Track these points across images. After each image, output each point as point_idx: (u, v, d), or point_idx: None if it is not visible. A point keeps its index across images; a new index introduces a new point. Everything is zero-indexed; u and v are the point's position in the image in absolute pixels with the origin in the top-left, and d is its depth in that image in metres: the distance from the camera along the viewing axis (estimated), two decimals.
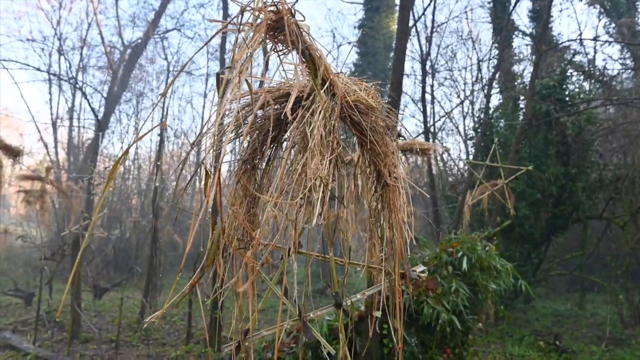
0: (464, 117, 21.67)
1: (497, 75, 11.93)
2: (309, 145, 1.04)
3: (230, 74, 0.96)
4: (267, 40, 1.09)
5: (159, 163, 12.02)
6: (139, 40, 14.46)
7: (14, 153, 4.67)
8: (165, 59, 20.16)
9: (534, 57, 10.86)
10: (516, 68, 18.40)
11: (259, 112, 1.28)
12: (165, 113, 11.45)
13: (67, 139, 18.35)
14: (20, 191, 6.30)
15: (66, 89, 18.46)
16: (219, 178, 0.95)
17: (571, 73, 12.72)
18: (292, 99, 0.98)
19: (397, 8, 23.67)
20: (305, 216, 1.09)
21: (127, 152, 1.18)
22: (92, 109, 10.33)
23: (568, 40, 15.91)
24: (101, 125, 10.50)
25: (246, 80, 0.97)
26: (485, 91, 12.40)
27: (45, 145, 14.90)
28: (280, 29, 1.04)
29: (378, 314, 4.79)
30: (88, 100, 10.72)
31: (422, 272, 1.98)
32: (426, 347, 5.31)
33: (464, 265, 5.19)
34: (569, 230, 13.87)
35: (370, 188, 1.59)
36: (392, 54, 21.82)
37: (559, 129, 11.65)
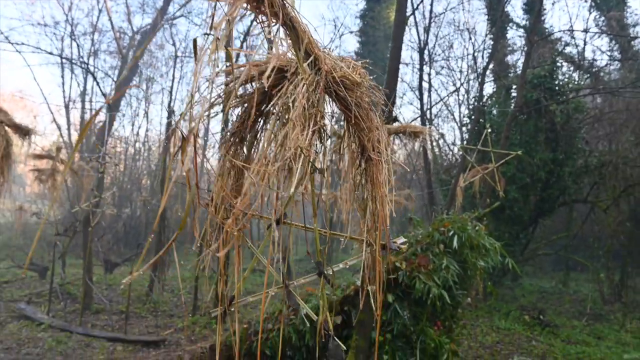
0: (460, 105, 21.50)
1: (490, 65, 11.75)
2: (290, 116, 1.00)
3: (209, 41, 0.91)
4: (250, 12, 1.04)
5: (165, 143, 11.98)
6: (148, 27, 14.26)
7: (24, 132, 4.61)
8: (174, 44, 19.93)
9: (526, 47, 10.69)
10: (509, 59, 18.21)
11: (248, 87, 1.24)
12: (172, 97, 11.40)
13: (79, 121, 18.26)
14: (33, 170, 6.26)
15: (78, 73, 18.29)
16: (194, 141, 0.91)
17: (561, 63, 12.53)
18: (270, 67, 0.93)
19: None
20: (287, 186, 1.05)
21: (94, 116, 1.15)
22: (103, 94, 10.25)
23: (559, 31, 15.67)
24: (111, 108, 10.43)
25: (226, 48, 0.92)
26: (480, 79, 12.24)
27: (58, 127, 14.81)
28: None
29: (372, 289, 4.76)
30: (99, 84, 10.62)
31: (403, 244, 1.96)
32: (418, 320, 5.33)
33: (455, 244, 5.17)
34: (555, 212, 13.87)
35: (355, 162, 1.55)
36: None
37: (548, 117, 11.53)
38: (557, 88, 11.73)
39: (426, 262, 5.12)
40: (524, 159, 11.71)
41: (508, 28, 18.96)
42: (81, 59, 16.13)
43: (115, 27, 15.24)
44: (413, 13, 12.65)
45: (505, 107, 12.07)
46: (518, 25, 20.02)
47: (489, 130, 6.84)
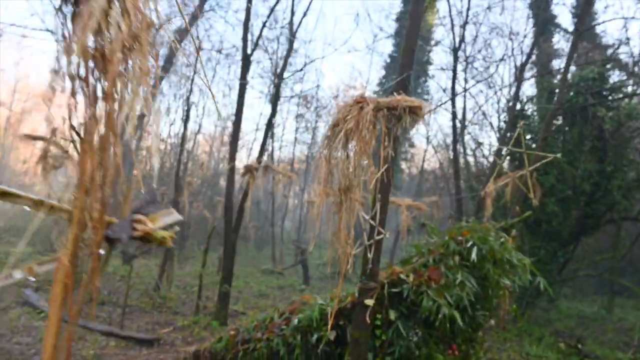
0: (498, 114, 20.21)
1: (531, 62, 10.59)
2: None
3: None
4: None
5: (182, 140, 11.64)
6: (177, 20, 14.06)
7: None
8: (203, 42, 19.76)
9: (572, 37, 9.51)
10: (555, 63, 16.84)
11: None
12: (190, 91, 11.06)
13: None
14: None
15: None
16: None
17: (612, 65, 11.18)
18: None
19: (436, 2, 22.29)
20: None
21: None
22: None
23: (609, 20, 14.13)
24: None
25: None
26: (517, 75, 11.14)
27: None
28: None
29: (370, 302, 3.92)
30: None
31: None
32: (427, 342, 4.52)
33: (473, 256, 4.33)
34: (600, 230, 12.46)
35: None
36: (426, 46, 20.57)
37: (596, 124, 10.29)
38: (606, 92, 10.46)
39: (437, 276, 4.30)
40: (566, 169, 10.53)
41: (554, 32, 17.67)
42: None
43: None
44: (450, 12, 11.77)
45: (546, 110, 10.86)
46: (565, 31, 18.69)
47: (522, 129, 5.89)
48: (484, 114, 19.88)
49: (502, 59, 13.39)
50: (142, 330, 7.43)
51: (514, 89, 13.96)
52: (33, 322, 7.08)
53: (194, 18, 16.37)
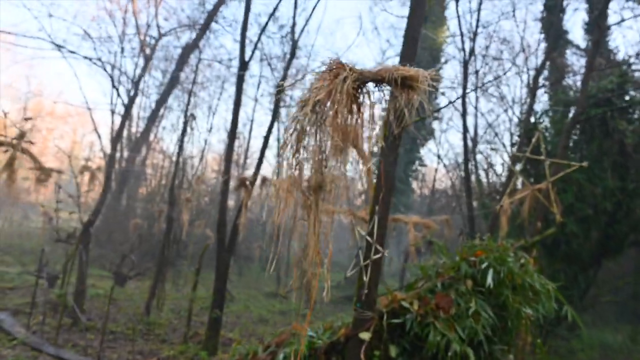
0: (511, 134, 19.54)
1: (542, 78, 9.93)
2: None
3: None
4: None
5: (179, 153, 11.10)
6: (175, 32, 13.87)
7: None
8: (220, 61, 19.62)
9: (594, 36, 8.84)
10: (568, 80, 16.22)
11: None
12: (188, 104, 10.64)
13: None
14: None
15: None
16: None
17: (632, 75, 10.46)
18: None
19: (446, 21, 21.92)
20: None
21: None
22: (119, 96, 9.63)
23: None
24: (127, 110, 9.74)
25: None
26: (532, 86, 10.48)
27: (99, 135, 14.38)
28: None
29: (366, 335, 3.17)
30: (116, 87, 9.91)
31: None
32: None
33: (489, 281, 3.62)
34: (623, 253, 11.53)
35: None
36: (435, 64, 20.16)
37: (617, 138, 9.55)
38: (626, 104, 9.73)
39: (447, 304, 3.59)
40: (586, 186, 9.75)
41: (567, 49, 17.22)
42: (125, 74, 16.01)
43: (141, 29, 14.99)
44: (459, 23, 11.29)
45: (562, 126, 10.14)
46: (578, 48, 18.25)
47: (541, 135, 5.21)
48: (496, 134, 19.25)
49: (514, 63, 12.75)
50: None
51: (526, 104, 13.30)
52: (1, 350, 6.42)
53: (201, 31, 16.22)
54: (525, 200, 5.89)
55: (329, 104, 1.92)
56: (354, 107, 2.04)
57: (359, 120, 2.09)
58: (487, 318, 3.57)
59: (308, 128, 1.95)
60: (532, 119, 9.52)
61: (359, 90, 2.08)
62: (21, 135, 5.11)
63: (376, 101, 2.13)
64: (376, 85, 2.12)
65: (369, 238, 3.54)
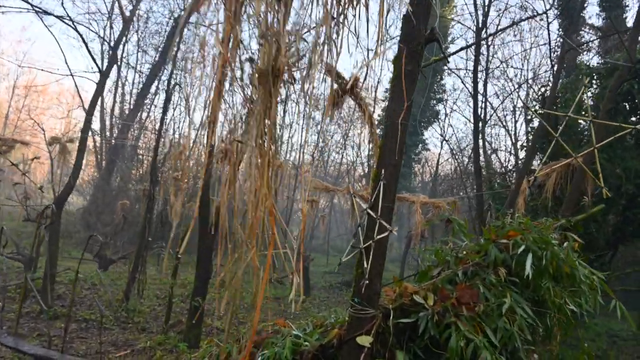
0: (516, 121, 18.63)
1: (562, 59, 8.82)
2: None
3: None
4: None
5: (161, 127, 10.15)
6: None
7: None
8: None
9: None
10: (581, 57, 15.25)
11: None
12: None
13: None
14: None
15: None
16: None
17: None
18: None
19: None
20: None
21: None
22: (93, 59, 8.62)
23: None
24: (103, 76, 8.79)
25: None
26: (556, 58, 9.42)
27: (82, 100, 13.43)
28: None
29: (366, 340, 2.17)
30: (89, 50, 8.92)
31: None
32: None
33: (528, 269, 2.74)
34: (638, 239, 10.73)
35: None
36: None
37: None
38: None
39: (472, 299, 2.72)
40: (605, 166, 8.84)
41: (582, 32, 16.45)
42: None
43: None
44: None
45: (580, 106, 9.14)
46: (593, 27, 17.41)
47: (587, 89, 4.28)
48: (501, 122, 18.30)
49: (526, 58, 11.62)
50: (91, 354, 5.92)
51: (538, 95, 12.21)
52: None
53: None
54: (551, 176, 5.00)
55: None
56: None
57: None
58: (524, 317, 2.70)
59: None
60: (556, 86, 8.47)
61: None
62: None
63: None
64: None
65: (371, 212, 2.66)
